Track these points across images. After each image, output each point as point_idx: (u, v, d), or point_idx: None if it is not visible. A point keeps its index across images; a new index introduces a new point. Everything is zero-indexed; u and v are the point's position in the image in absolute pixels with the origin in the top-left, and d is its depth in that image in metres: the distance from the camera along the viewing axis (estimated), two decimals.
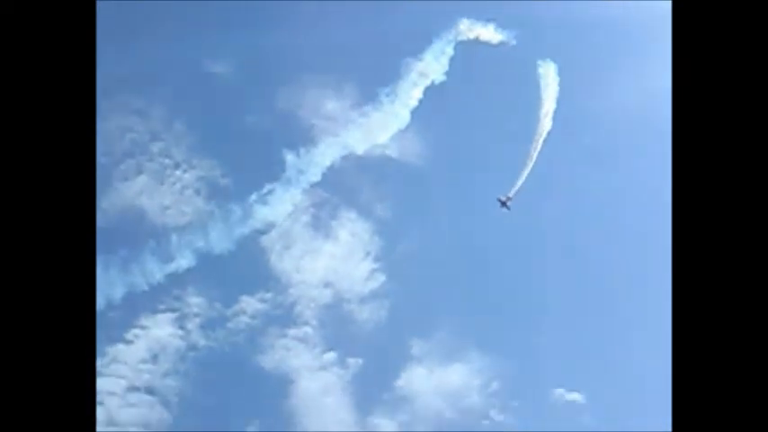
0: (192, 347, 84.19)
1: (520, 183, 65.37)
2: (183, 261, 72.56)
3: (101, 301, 73.51)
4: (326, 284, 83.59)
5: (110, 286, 72.80)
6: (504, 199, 65.04)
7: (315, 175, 71.46)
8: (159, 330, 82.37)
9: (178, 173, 76.62)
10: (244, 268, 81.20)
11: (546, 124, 63.78)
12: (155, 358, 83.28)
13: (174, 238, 72.68)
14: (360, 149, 70.58)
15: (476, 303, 76.22)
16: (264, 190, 72.59)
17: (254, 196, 71.87)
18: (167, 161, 77.98)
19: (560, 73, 64.43)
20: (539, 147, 63.46)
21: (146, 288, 75.21)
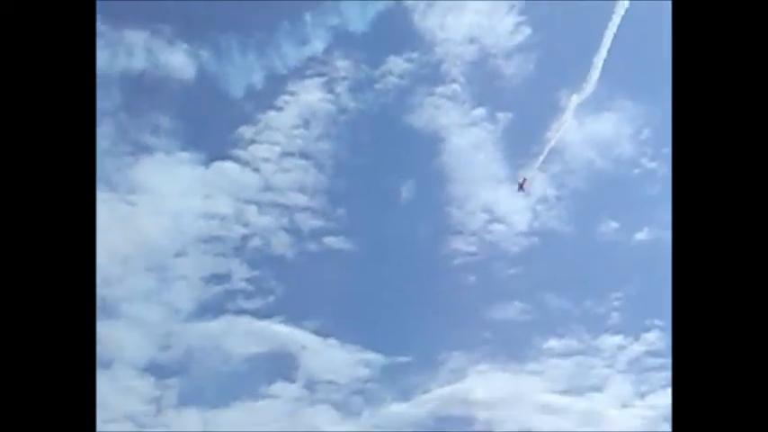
0: (343, 110, 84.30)
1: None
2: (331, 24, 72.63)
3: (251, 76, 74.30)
4: (472, 40, 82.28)
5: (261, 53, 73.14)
6: (521, 182, 64.90)
7: None
8: (309, 96, 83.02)
9: None
10: (388, 30, 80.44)
11: None
12: (306, 123, 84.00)
13: None
14: None
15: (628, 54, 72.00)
16: None
17: None
18: None
19: None
20: None
21: (297, 57, 75.63)
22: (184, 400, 75.49)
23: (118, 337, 76.59)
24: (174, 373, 76.56)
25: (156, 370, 75.84)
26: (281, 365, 77.25)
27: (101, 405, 73.74)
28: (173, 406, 75.33)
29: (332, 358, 77.34)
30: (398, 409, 75.56)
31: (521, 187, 64.88)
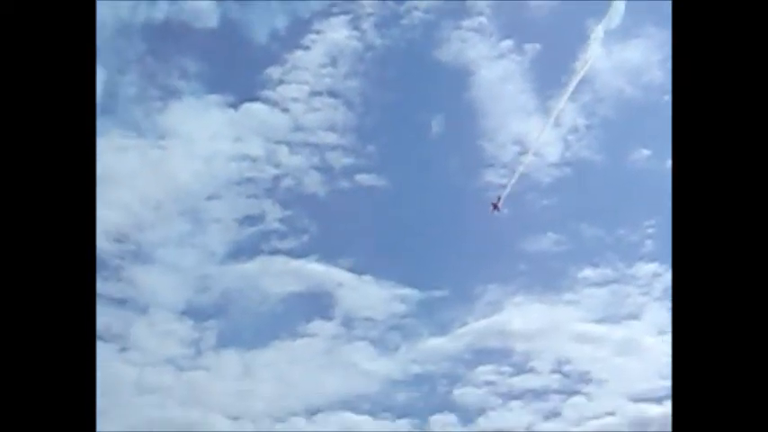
0: (369, 47, 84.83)
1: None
2: None
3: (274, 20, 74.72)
4: None
5: None
6: (495, 202, 65.10)
7: None
8: (335, 34, 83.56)
9: None
10: None
11: None
12: (334, 61, 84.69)
13: None
14: None
15: None
16: None
17: None
18: None
19: None
20: None
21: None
22: (223, 342, 76.59)
23: (154, 282, 77.79)
24: (212, 316, 77.67)
25: (193, 313, 76.99)
26: (317, 304, 78.27)
27: (141, 349, 75.54)
28: (212, 348, 76.40)
29: (368, 295, 78.17)
30: (436, 343, 76.28)
31: (495, 207, 64.81)
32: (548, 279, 78.65)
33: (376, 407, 74.31)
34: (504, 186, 66.29)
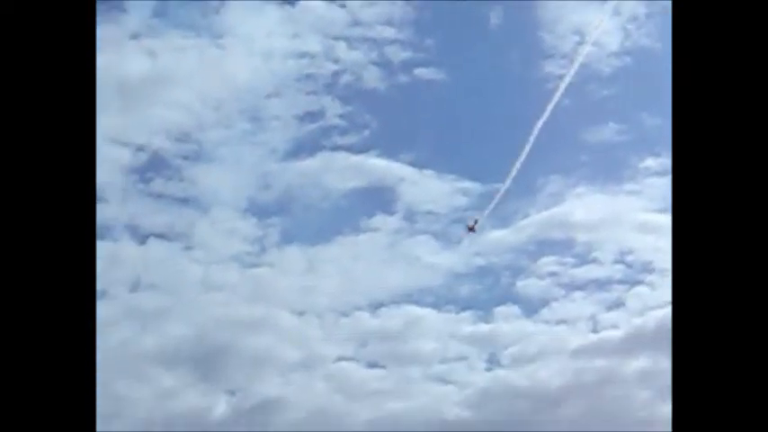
0: None
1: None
2: None
3: None
4: None
5: None
6: (470, 225, 65.23)
7: None
8: None
9: None
10: None
11: None
12: None
13: None
14: None
15: None
16: None
17: None
18: None
19: None
20: None
21: None
22: (287, 239, 77.42)
23: (216, 181, 78.68)
24: (275, 213, 78.61)
25: (256, 211, 77.79)
26: (379, 199, 79.10)
27: (205, 248, 76.28)
28: (275, 245, 77.24)
29: (429, 189, 78.67)
30: (498, 235, 76.67)
31: (471, 229, 64.94)
32: (609, 169, 79.49)
33: (439, 300, 74.96)
34: (562, 77, 65.27)
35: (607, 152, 79.31)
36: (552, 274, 75.74)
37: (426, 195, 78.27)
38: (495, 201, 64.53)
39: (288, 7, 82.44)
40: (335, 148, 80.00)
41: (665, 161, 76.93)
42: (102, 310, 70.89)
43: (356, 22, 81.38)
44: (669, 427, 22.73)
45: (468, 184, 77.93)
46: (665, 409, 63.25)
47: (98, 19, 25.26)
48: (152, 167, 77.70)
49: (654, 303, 72.57)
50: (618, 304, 73.59)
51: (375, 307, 74.06)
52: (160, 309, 73.57)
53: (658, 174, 77.70)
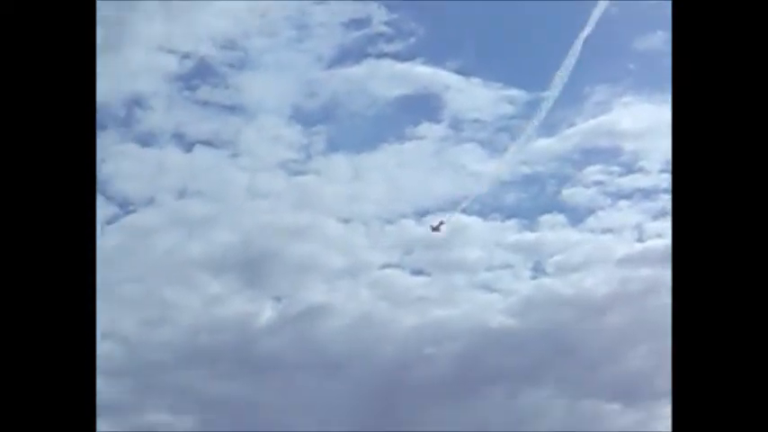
0: None
1: None
2: None
3: None
4: None
5: None
6: (435, 225, 65.06)
7: None
8: None
9: None
10: None
11: None
12: None
13: None
14: None
15: None
16: None
17: None
18: None
19: None
20: None
21: None
22: (333, 146, 77.14)
23: (261, 88, 78.43)
24: (320, 120, 78.15)
25: (301, 118, 77.44)
26: (425, 107, 78.41)
27: (251, 155, 76.13)
28: (321, 152, 76.96)
29: (475, 97, 77.97)
30: (544, 143, 75.81)
31: (435, 230, 64.84)
32: (657, 78, 76.26)
33: (485, 208, 74.55)
34: None
35: (655, 60, 77.24)
36: (598, 182, 75.05)
37: (472, 103, 77.42)
38: (544, 111, 63.17)
39: None
40: (381, 56, 78.99)
41: None
42: (150, 217, 73.14)
43: None
44: None
45: (514, 92, 76.95)
46: None
47: None
48: (198, 75, 77.25)
49: None
50: (664, 213, 72.46)
51: (421, 215, 72.94)
52: (206, 216, 73.52)
53: None
